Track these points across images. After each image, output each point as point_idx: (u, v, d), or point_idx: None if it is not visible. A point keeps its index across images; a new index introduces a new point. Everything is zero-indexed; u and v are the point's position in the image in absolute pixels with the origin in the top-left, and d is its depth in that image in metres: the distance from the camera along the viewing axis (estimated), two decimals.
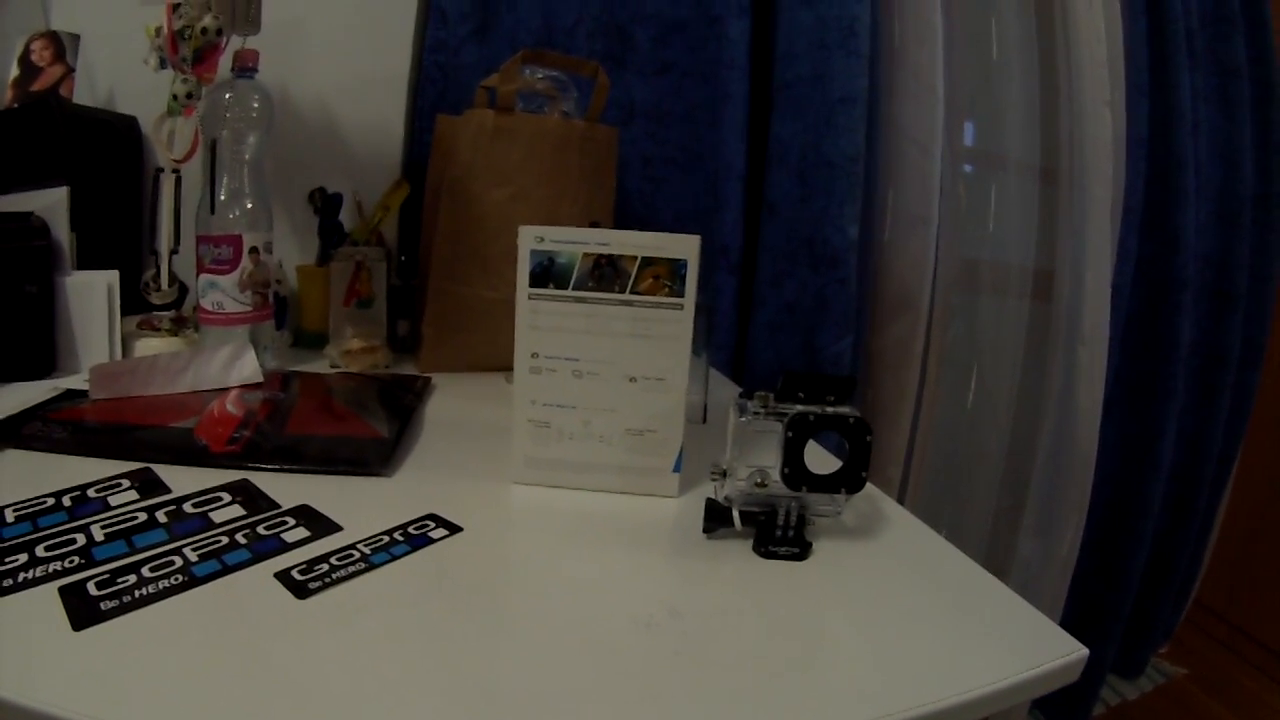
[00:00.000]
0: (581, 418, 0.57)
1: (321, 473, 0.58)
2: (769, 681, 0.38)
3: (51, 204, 0.81)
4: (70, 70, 0.99)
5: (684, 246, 0.54)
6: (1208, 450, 1.49)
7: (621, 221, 1.00)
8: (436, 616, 0.42)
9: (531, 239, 0.55)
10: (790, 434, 0.49)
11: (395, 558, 0.47)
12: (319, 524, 0.51)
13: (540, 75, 0.90)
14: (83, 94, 1.01)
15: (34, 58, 0.98)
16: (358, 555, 0.47)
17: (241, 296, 0.82)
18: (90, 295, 0.81)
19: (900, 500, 1.18)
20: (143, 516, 0.50)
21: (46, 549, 0.45)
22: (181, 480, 0.56)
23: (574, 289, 0.55)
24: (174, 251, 0.89)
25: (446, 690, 0.36)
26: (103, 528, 0.48)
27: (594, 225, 0.57)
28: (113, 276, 0.82)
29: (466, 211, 0.84)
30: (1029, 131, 1.24)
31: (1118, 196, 1.24)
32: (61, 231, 0.81)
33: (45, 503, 0.51)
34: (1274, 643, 1.77)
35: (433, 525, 0.51)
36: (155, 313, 0.88)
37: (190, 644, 0.38)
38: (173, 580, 0.43)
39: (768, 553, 0.51)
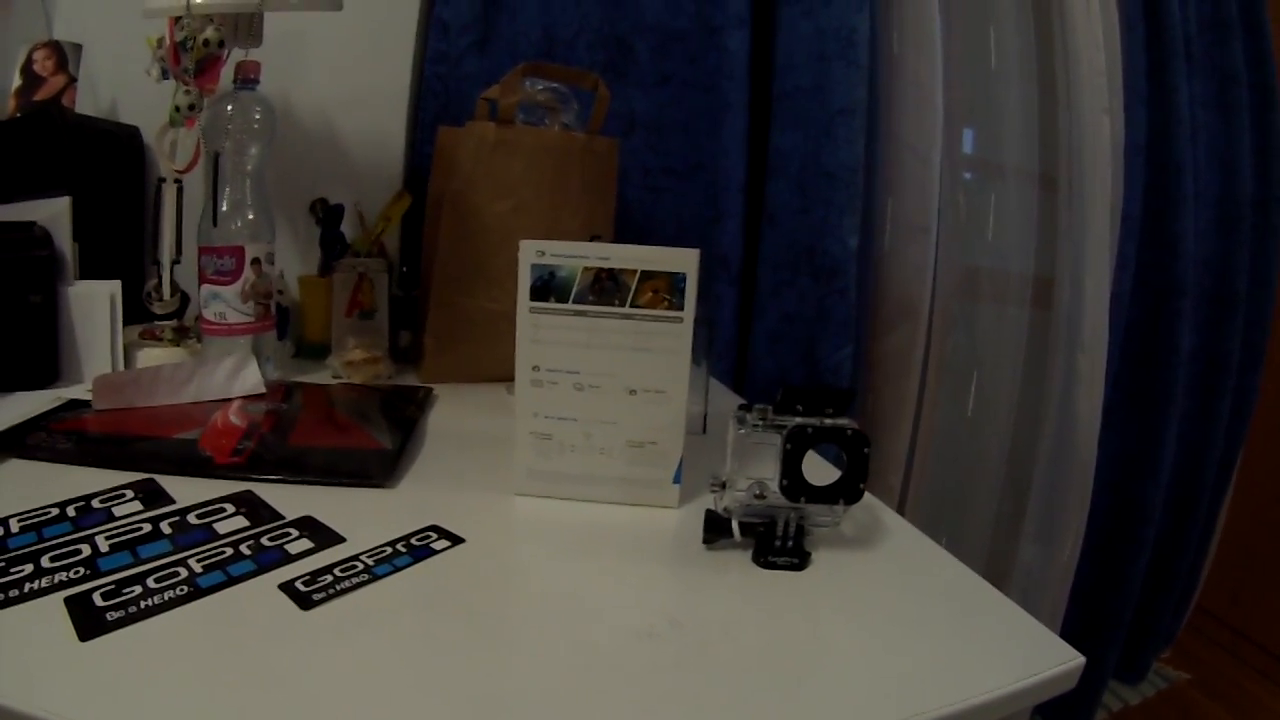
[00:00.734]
0: (582, 430, 0.58)
1: (325, 484, 0.59)
2: (769, 691, 0.39)
3: (54, 214, 0.81)
4: (72, 80, 1.00)
5: (683, 260, 0.55)
6: (1208, 455, 1.50)
7: (622, 232, 1.00)
8: (439, 628, 0.43)
9: (532, 253, 0.56)
10: (789, 446, 0.50)
11: (398, 569, 0.48)
12: (322, 535, 0.51)
13: (541, 87, 0.90)
14: (85, 104, 1.01)
15: (36, 67, 0.99)
16: (361, 566, 0.48)
17: (244, 307, 0.82)
18: (93, 305, 0.82)
19: (900, 508, 1.19)
20: (147, 527, 0.51)
21: (52, 559, 0.46)
22: (185, 491, 0.56)
23: (574, 302, 0.56)
24: (176, 262, 0.89)
25: (449, 701, 0.36)
26: (107, 538, 0.49)
27: (595, 238, 0.58)
28: (115, 286, 0.82)
29: (468, 223, 0.85)
30: (1028, 139, 1.25)
31: (1117, 203, 1.24)
32: (64, 241, 0.82)
33: (50, 513, 0.52)
34: (1277, 647, 1.77)
35: (435, 537, 0.52)
36: (157, 323, 0.89)
37: (195, 655, 0.38)
38: (178, 591, 0.43)
39: (767, 563, 0.51)
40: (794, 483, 0.50)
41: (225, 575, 0.46)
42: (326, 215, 0.97)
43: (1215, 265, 1.43)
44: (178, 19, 0.82)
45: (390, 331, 0.95)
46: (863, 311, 1.09)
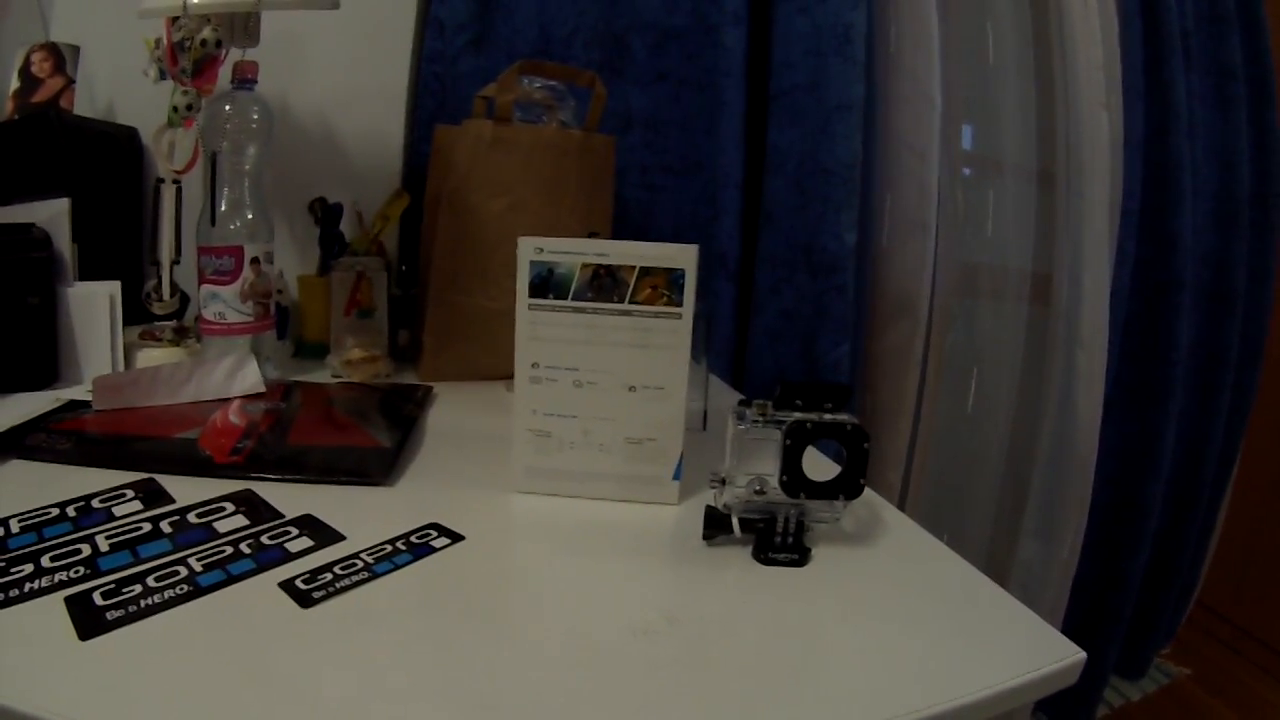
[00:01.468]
0: (582, 427, 0.58)
1: (324, 483, 0.59)
2: (768, 687, 0.39)
3: (53, 215, 0.81)
4: (70, 82, 1.00)
5: (682, 256, 0.55)
6: (1208, 450, 1.50)
7: (620, 230, 1.00)
8: (439, 625, 0.43)
9: (531, 250, 0.56)
10: (788, 442, 0.50)
11: (398, 567, 0.48)
12: (322, 533, 0.51)
13: (538, 85, 0.91)
14: (83, 105, 1.01)
15: (34, 69, 0.99)
16: (361, 565, 0.48)
17: (243, 307, 0.82)
18: (92, 306, 0.82)
19: (901, 504, 1.19)
20: (147, 527, 0.51)
21: (52, 559, 0.46)
22: (185, 491, 0.56)
23: (573, 299, 0.56)
24: (175, 262, 0.89)
25: (449, 698, 0.36)
26: (107, 538, 0.49)
27: (592, 235, 0.58)
28: (114, 287, 0.82)
29: (465, 222, 0.85)
30: (1026, 135, 1.25)
31: (1115, 199, 1.24)
32: (63, 243, 0.82)
33: (50, 513, 0.52)
34: (1278, 642, 1.77)
35: (435, 534, 0.52)
36: (157, 323, 0.89)
37: (196, 654, 0.38)
38: (178, 590, 0.43)
39: (767, 559, 0.51)
40: (794, 478, 0.50)
41: (225, 574, 0.46)
42: (325, 214, 0.97)
43: (1214, 261, 1.43)
44: (175, 19, 0.82)
45: (389, 330, 0.95)
46: (861, 308, 1.09)
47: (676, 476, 0.58)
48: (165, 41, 0.84)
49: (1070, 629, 1.34)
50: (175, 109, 0.85)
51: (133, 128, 1.02)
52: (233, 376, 0.77)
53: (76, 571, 0.45)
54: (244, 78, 0.85)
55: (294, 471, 0.60)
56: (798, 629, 0.45)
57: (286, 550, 0.49)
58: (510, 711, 0.36)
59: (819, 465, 0.53)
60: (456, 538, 0.52)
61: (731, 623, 0.45)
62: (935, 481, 1.25)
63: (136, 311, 0.88)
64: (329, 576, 0.46)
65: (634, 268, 0.55)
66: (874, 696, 0.39)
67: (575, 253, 0.55)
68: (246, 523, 0.52)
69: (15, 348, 0.76)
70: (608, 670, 0.40)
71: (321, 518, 0.53)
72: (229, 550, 0.48)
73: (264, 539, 0.50)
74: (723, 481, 0.52)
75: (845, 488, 0.51)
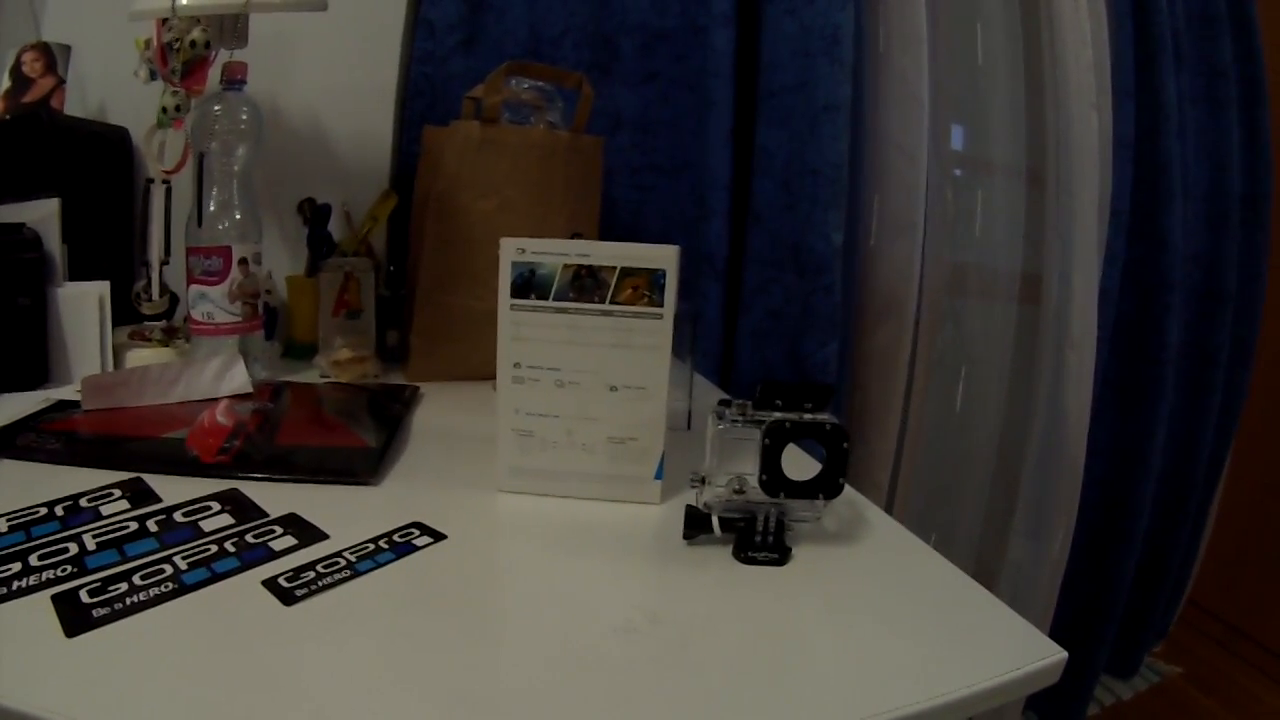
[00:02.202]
0: (564, 426, 0.59)
1: (309, 482, 0.60)
2: (748, 686, 0.40)
3: (43, 216, 0.82)
4: (61, 82, 1.01)
5: (663, 257, 0.56)
6: (1199, 450, 1.51)
7: (609, 230, 1.01)
8: (420, 623, 0.44)
9: (513, 251, 0.57)
10: (767, 441, 0.51)
11: (380, 565, 0.49)
12: (306, 532, 0.52)
13: (526, 86, 0.91)
14: (74, 105, 1.02)
15: (25, 69, 1.00)
16: (343, 563, 0.48)
17: (231, 307, 0.83)
18: (82, 307, 0.83)
19: (889, 503, 1.20)
20: (134, 526, 0.52)
21: (40, 558, 0.47)
22: (172, 490, 0.57)
23: (555, 300, 0.57)
24: (164, 262, 0.90)
25: (430, 695, 0.37)
26: (94, 537, 0.50)
27: (576, 236, 0.59)
28: (104, 288, 0.83)
29: (453, 222, 0.86)
30: (1015, 135, 1.26)
31: (1104, 199, 1.25)
32: (53, 243, 0.83)
33: (38, 512, 0.53)
34: (1270, 640, 1.78)
35: (417, 533, 0.53)
36: (146, 323, 0.90)
37: (180, 650, 0.39)
38: (163, 588, 0.44)
39: (747, 558, 0.52)
40: (773, 478, 0.51)
41: (210, 572, 0.47)
42: (314, 215, 0.98)
43: (1204, 261, 1.45)
44: (164, 21, 0.83)
45: (378, 330, 0.96)
46: (849, 308, 1.10)
47: (659, 476, 0.59)
48: (155, 42, 0.85)
49: (1061, 628, 1.37)
50: (165, 110, 0.86)
51: (123, 128, 1.02)
52: (221, 377, 0.78)
53: (64, 570, 0.46)
54: (233, 78, 0.85)
55: (280, 471, 0.61)
56: (778, 628, 0.46)
57: (270, 549, 0.50)
58: (491, 708, 0.37)
59: (803, 465, 0.54)
60: (439, 536, 0.53)
61: (712, 622, 0.46)
62: (925, 481, 1.26)
63: (126, 311, 0.89)
64: (311, 575, 0.47)
65: (615, 268, 0.56)
66: (853, 695, 0.40)
67: (557, 253, 0.56)
68: (232, 521, 0.53)
69: (5, 348, 0.76)
70: (588, 668, 0.40)
71: (306, 517, 0.54)
72: (214, 549, 0.49)
73: (249, 538, 0.51)
74: (703, 481, 0.53)
75: (825, 487, 0.52)
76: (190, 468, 0.61)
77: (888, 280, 1.11)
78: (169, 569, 0.46)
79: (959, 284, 1.24)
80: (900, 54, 1.11)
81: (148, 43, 0.86)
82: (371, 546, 0.51)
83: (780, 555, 0.52)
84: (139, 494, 0.57)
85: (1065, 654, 0.44)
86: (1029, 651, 0.44)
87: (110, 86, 1.03)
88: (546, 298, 0.57)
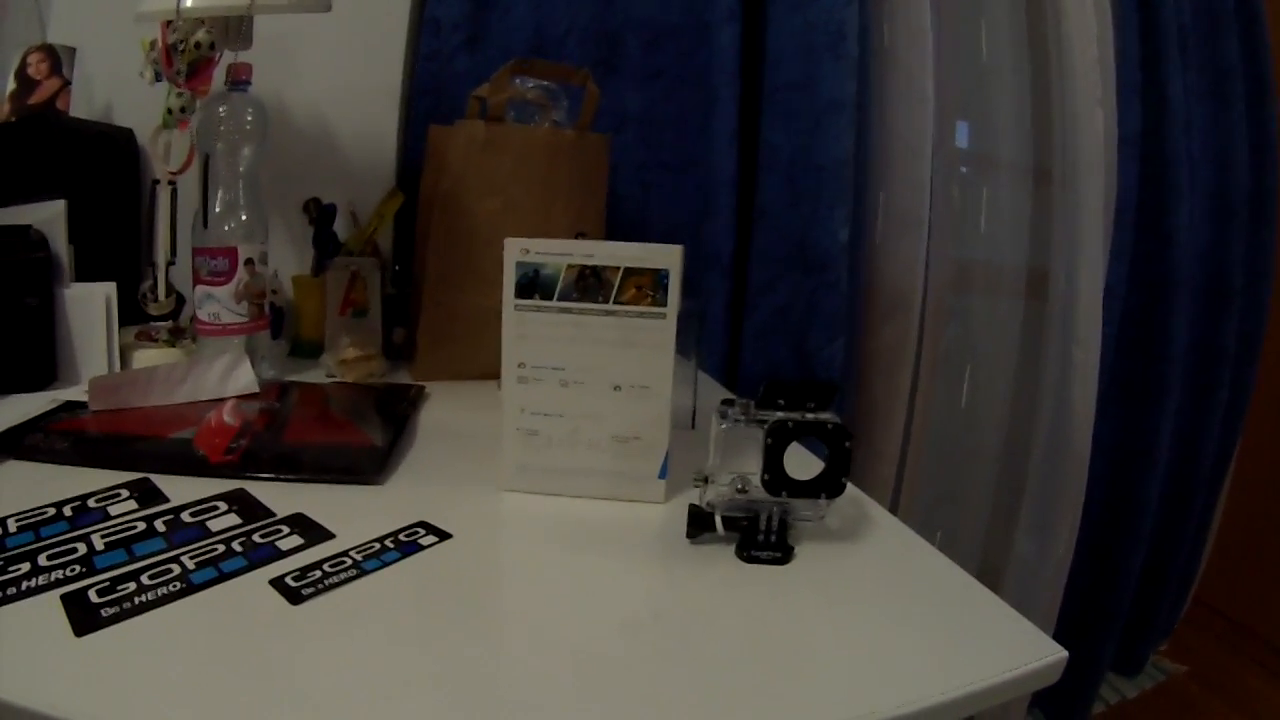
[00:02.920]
0: (569, 425, 0.59)
1: (316, 481, 0.60)
2: (749, 683, 0.40)
3: (50, 217, 0.83)
4: (67, 83, 1.01)
5: (666, 257, 0.56)
6: (1205, 447, 1.51)
7: (615, 228, 1.01)
8: (425, 621, 0.44)
9: (517, 251, 0.57)
10: (770, 441, 0.51)
11: (386, 564, 0.49)
12: (313, 532, 0.53)
13: (530, 85, 0.92)
14: (79, 107, 1.02)
15: (30, 71, 1.00)
16: (350, 562, 0.49)
17: (237, 307, 0.84)
18: (89, 307, 0.83)
19: (894, 500, 1.20)
20: (142, 526, 0.52)
21: (49, 558, 0.47)
22: (179, 490, 0.58)
23: (559, 299, 0.57)
24: (171, 263, 0.91)
25: (436, 692, 0.38)
26: (103, 537, 0.50)
27: (580, 236, 0.59)
28: (110, 288, 0.84)
29: (459, 222, 0.86)
30: (1020, 131, 1.26)
31: (1110, 196, 1.25)
32: (60, 244, 0.83)
33: (47, 513, 0.53)
34: (1276, 638, 1.78)
35: (423, 532, 0.53)
36: (153, 323, 0.90)
37: (188, 649, 0.40)
38: (171, 587, 0.45)
39: (750, 557, 0.52)
40: (775, 477, 0.51)
41: (217, 571, 0.47)
42: (319, 215, 0.98)
43: (1210, 258, 1.44)
44: (169, 22, 0.83)
45: (384, 329, 0.96)
46: (854, 305, 1.10)
47: (663, 474, 0.60)
48: (160, 44, 0.85)
49: (1065, 625, 1.36)
50: (170, 111, 0.86)
51: (129, 129, 1.03)
52: (227, 377, 0.78)
53: (72, 570, 0.46)
54: (238, 79, 0.86)
55: (287, 471, 0.61)
56: (780, 626, 0.46)
57: (277, 548, 0.50)
58: (496, 705, 0.37)
59: (807, 463, 0.54)
60: (444, 536, 0.53)
61: (715, 619, 0.46)
62: (930, 477, 1.26)
63: (132, 311, 0.89)
64: (318, 574, 0.47)
65: (619, 268, 0.56)
66: (854, 692, 0.40)
67: (561, 254, 0.56)
68: (239, 521, 0.54)
69: (13, 349, 0.77)
70: (592, 665, 0.41)
71: (312, 516, 0.54)
72: (221, 548, 0.50)
73: (256, 537, 0.51)
74: (706, 480, 0.54)
75: (827, 486, 0.53)
76: (197, 467, 0.61)
77: (893, 277, 1.11)
78: (177, 568, 0.47)
79: (965, 280, 1.24)
80: (906, 50, 1.11)
81: (153, 44, 0.86)
82: (377, 546, 0.51)
83: (783, 554, 0.52)
84: (147, 494, 0.57)
85: (1066, 653, 0.44)
86: (1030, 651, 0.44)
87: (116, 87, 1.03)
88: (551, 298, 0.57)
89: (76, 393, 0.74)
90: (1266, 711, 1.62)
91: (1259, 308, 1.52)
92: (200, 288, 0.84)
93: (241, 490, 0.58)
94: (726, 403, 0.54)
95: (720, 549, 0.54)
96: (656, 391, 0.58)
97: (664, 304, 0.56)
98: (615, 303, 0.57)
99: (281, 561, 0.49)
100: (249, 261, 0.84)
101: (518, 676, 0.40)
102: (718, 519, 0.53)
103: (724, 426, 0.53)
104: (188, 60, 0.85)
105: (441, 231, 0.87)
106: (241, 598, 0.45)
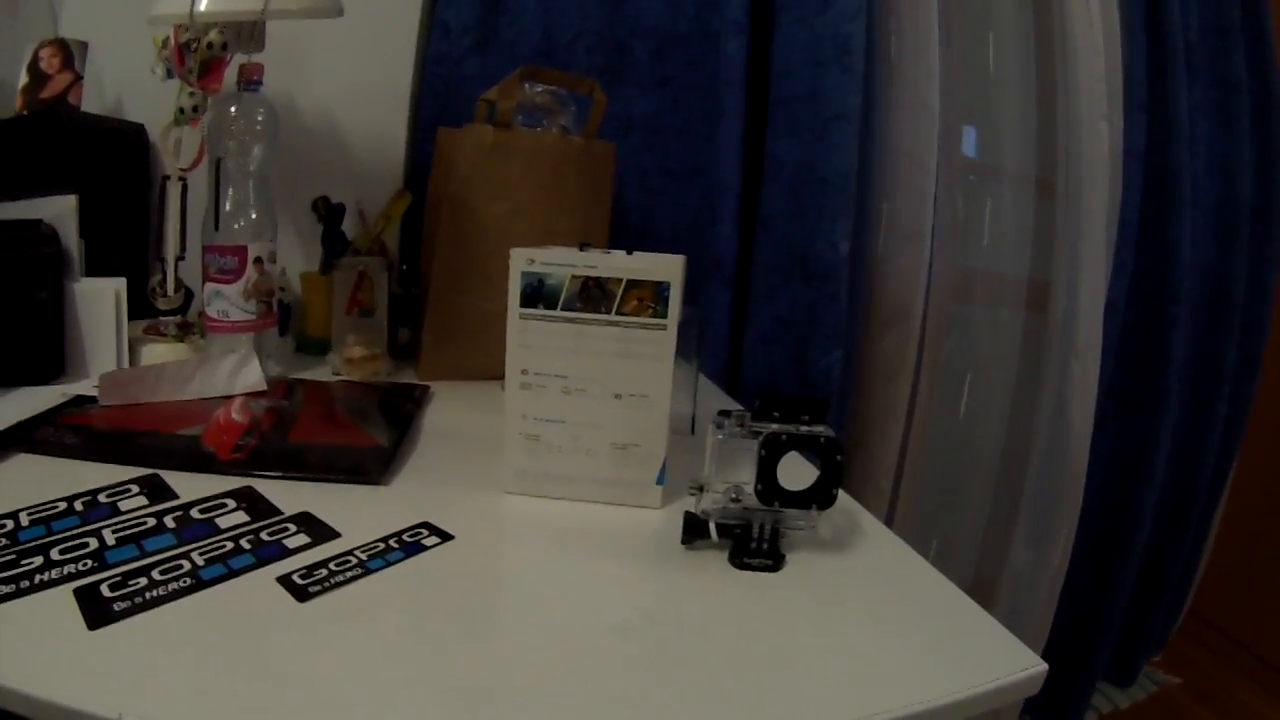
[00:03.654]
0: (570, 432, 0.61)
1: (322, 480, 0.62)
2: (734, 686, 0.42)
3: (60, 211, 0.84)
4: (78, 78, 1.02)
5: (667, 270, 0.58)
6: (1202, 461, 1.52)
7: (620, 233, 1.03)
8: (427, 620, 0.46)
9: (522, 261, 0.59)
10: (763, 452, 0.53)
11: (390, 564, 0.51)
12: (319, 530, 0.54)
13: (540, 89, 0.93)
14: (91, 101, 1.04)
15: (43, 65, 1.02)
16: (355, 561, 0.51)
17: (246, 305, 0.85)
18: (98, 302, 0.85)
19: (892, 509, 1.22)
20: (152, 521, 0.54)
21: (61, 552, 0.49)
22: (188, 486, 0.59)
23: (563, 309, 0.59)
24: (180, 258, 0.92)
25: (436, 688, 0.39)
26: (114, 532, 0.52)
27: (584, 246, 0.61)
28: (120, 284, 0.85)
29: (466, 225, 0.88)
30: (1025, 144, 1.27)
31: (1113, 210, 1.27)
32: (71, 239, 0.85)
33: (58, 507, 0.55)
34: (1269, 654, 1.79)
35: (426, 533, 0.55)
36: (161, 318, 0.92)
37: (198, 643, 0.41)
38: (181, 583, 0.46)
39: (742, 564, 0.54)
40: (768, 487, 0.53)
41: (226, 568, 0.49)
42: (328, 213, 1.00)
43: (1213, 272, 1.46)
44: None
45: (390, 329, 0.98)
46: (855, 315, 1.12)
47: (660, 481, 0.61)
48: (173, 42, 0.86)
49: (1059, 635, 1.38)
50: (181, 110, 0.88)
51: (140, 124, 1.05)
52: (235, 374, 0.80)
53: (84, 564, 0.48)
54: (250, 80, 0.87)
55: (294, 469, 0.63)
56: (768, 631, 0.48)
57: (285, 546, 0.52)
58: (492, 702, 0.39)
59: (803, 474, 0.56)
60: (447, 537, 0.55)
61: (706, 624, 0.48)
62: (928, 487, 1.28)
63: (141, 306, 0.91)
64: (324, 572, 0.49)
65: (621, 280, 0.58)
66: (836, 699, 0.41)
67: (565, 264, 0.58)
68: (247, 519, 0.55)
69: (23, 342, 0.79)
70: (587, 665, 0.42)
71: (319, 515, 0.56)
72: (230, 545, 0.51)
73: (263, 535, 0.53)
74: (701, 488, 0.55)
75: (819, 497, 0.54)
76: (206, 464, 0.63)
77: (895, 288, 1.13)
78: (187, 564, 0.49)
79: (966, 290, 1.26)
80: (912, 63, 1.12)
81: (165, 41, 0.88)
82: (382, 546, 0.53)
83: (774, 562, 0.54)
84: (156, 490, 0.59)
85: (1045, 666, 0.45)
86: (1010, 662, 0.45)
87: (127, 82, 1.05)
88: (554, 307, 0.59)
89: (85, 387, 0.76)
90: None
91: (1260, 324, 1.54)
92: (210, 285, 0.86)
93: (249, 488, 0.60)
94: (723, 414, 0.56)
95: (714, 555, 0.55)
96: (655, 401, 0.60)
97: (664, 316, 0.58)
98: (617, 314, 0.58)
99: (288, 559, 0.50)
100: (258, 260, 0.86)
101: (514, 676, 0.41)
102: (712, 526, 0.55)
103: (720, 437, 0.54)
104: (200, 59, 0.87)
105: (448, 234, 0.89)
106: (250, 594, 0.46)
